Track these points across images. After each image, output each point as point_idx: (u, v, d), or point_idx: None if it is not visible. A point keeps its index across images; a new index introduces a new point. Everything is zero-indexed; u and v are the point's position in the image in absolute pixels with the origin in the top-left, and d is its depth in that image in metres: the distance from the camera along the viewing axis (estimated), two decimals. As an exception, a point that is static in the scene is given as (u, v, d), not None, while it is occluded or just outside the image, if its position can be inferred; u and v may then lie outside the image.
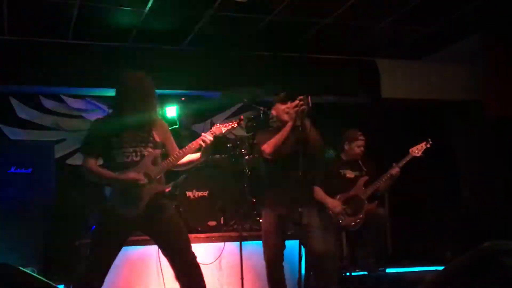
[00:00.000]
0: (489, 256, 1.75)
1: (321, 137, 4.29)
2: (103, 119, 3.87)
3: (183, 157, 3.72)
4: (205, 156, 3.82)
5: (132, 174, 3.55)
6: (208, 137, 3.73)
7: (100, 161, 3.71)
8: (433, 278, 1.92)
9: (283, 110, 4.31)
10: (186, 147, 3.71)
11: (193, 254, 3.65)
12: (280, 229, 4.33)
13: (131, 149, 3.60)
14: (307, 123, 4.10)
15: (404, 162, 5.18)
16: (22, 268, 2.50)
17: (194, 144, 3.70)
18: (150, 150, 3.65)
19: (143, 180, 3.56)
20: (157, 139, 3.70)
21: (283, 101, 4.33)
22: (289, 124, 4.20)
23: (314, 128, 4.17)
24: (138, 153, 3.61)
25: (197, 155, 3.80)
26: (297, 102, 4.06)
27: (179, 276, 3.64)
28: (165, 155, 3.75)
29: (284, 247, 4.35)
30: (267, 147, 4.27)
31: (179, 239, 3.65)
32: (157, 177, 3.65)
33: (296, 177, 3.96)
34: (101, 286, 3.55)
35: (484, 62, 7.08)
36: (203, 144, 3.71)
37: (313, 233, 4.16)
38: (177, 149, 3.76)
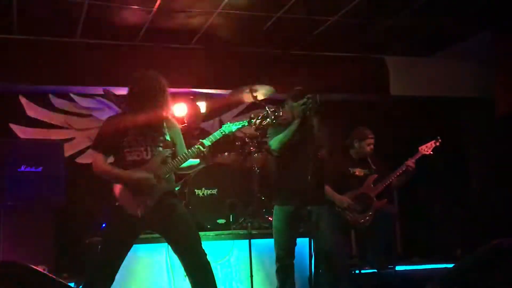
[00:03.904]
0: (499, 253, 1.75)
1: (330, 134, 4.30)
2: (115, 117, 3.87)
3: (185, 161, 3.72)
4: (203, 162, 3.84)
5: (141, 174, 3.56)
6: (205, 142, 3.73)
7: (111, 159, 3.74)
8: (445, 275, 1.92)
9: (294, 107, 4.32)
10: (188, 151, 3.72)
11: (203, 251, 3.66)
12: (291, 226, 4.33)
13: (141, 148, 3.62)
14: (315, 121, 4.11)
15: (413, 160, 5.17)
16: (33, 267, 2.52)
17: (194, 149, 3.71)
18: (160, 149, 3.67)
19: (153, 180, 3.57)
20: (168, 138, 3.72)
21: (296, 98, 4.33)
22: (296, 122, 4.22)
23: (323, 126, 4.19)
24: (149, 152, 3.63)
25: (196, 161, 3.82)
26: (305, 100, 4.09)
27: (189, 274, 3.65)
28: (174, 155, 3.76)
29: (295, 244, 4.36)
30: (274, 143, 4.33)
31: (189, 237, 3.67)
32: (166, 176, 3.66)
33: (304, 175, 3.96)
34: (111, 284, 3.57)
35: (495, 59, 7.02)
36: (201, 149, 3.71)
37: (322, 231, 4.16)
38: (185, 150, 3.77)
